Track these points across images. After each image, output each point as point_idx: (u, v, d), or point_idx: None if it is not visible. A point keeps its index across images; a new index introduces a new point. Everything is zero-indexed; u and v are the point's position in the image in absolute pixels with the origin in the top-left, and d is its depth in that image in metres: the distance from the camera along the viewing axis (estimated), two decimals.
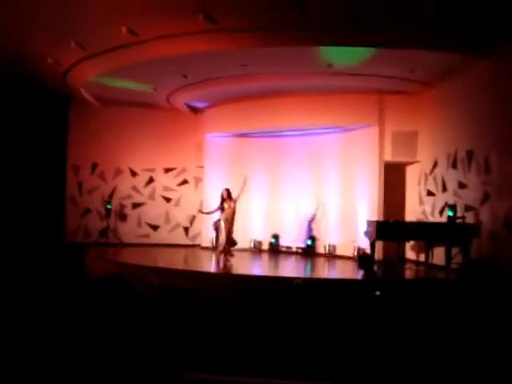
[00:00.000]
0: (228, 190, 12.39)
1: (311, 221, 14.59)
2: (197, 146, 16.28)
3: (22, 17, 9.52)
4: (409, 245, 12.46)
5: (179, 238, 16.39)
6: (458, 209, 10.97)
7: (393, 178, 13.54)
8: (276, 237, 15.03)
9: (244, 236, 14.43)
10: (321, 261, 13.65)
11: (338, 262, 13.16)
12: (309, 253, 14.32)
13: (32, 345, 3.56)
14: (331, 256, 13.86)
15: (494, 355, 4.09)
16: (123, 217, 16.40)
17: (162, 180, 16.63)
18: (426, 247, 11.54)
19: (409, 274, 11.44)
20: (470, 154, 10.91)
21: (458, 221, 10.85)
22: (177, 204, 16.59)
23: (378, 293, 7.36)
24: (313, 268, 12.91)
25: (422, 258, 11.76)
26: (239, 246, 13.69)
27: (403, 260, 12.26)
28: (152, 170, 16.59)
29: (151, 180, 16.61)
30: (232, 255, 12.44)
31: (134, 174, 16.56)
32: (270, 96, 13.88)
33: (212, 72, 12.25)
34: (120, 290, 4.65)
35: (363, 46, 10.13)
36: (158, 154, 16.43)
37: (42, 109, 14.76)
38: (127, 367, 3.32)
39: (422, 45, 9.77)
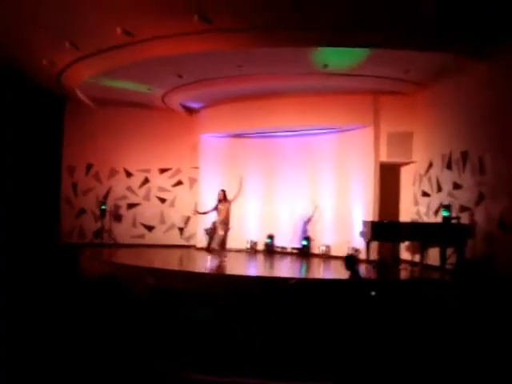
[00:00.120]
0: (224, 192, 12.41)
1: (307, 222, 14.60)
2: (192, 147, 16.27)
3: (16, 17, 9.48)
4: (404, 245, 12.48)
5: (174, 238, 16.37)
6: (453, 209, 11.01)
7: (388, 179, 13.57)
8: (271, 237, 15.03)
9: (239, 236, 14.43)
10: (316, 261, 13.66)
11: (333, 263, 13.16)
12: (304, 253, 14.32)
13: (28, 346, 3.55)
14: (326, 256, 13.87)
15: (490, 354, 4.10)
16: (118, 217, 16.37)
17: (157, 181, 16.61)
18: (420, 248, 11.55)
19: (404, 274, 11.45)
20: (464, 155, 10.94)
21: (453, 221, 10.88)
22: (172, 205, 16.58)
23: (373, 293, 7.37)
24: (308, 268, 12.90)
25: (417, 258, 11.77)
26: (234, 246, 13.73)
27: (398, 260, 12.28)
28: (147, 171, 16.57)
29: (146, 181, 16.59)
30: (225, 256, 12.45)
31: (128, 174, 16.53)
32: (266, 97, 13.89)
33: (207, 72, 12.25)
34: (115, 291, 4.64)
35: (360, 47, 10.14)
36: (153, 154, 16.41)
37: (38, 109, 14.72)
38: (127, 367, 3.31)
39: (421, 46, 9.78)
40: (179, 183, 16.66)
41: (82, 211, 16.32)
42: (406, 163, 13.49)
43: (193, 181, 16.46)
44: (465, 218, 10.73)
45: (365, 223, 12.00)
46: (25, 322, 3.97)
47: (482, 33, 9.25)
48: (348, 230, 13.68)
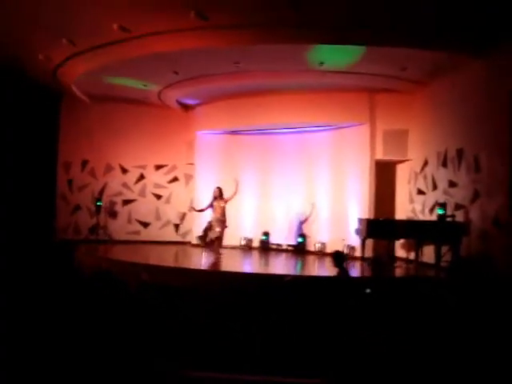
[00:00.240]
0: (220, 189, 12.40)
1: (303, 222, 14.61)
2: (188, 144, 16.26)
3: (13, 14, 9.44)
4: (399, 243, 12.51)
5: (170, 235, 16.37)
6: (448, 207, 11.04)
7: (383, 177, 13.59)
8: (266, 234, 15.03)
9: (234, 233, 14.43)
10: (311, 258, 13.67)
11: (328, 260, 13.15)
12: (299, 250, 14.34)
13: (25, 343, 3.55)
14: (321, 254, 13.89)
15: (486, 352, 4.12)
16: (113, 214, 16.34)
17: (153, 177, 16.59)
18: (415, 245, 11.57)
19: (399, 271, 11.48)
20: (460, 153, 10.97)
21: (448, 219, 10.91)
22: (167, 201, 16.57)
23: (368, 290, 7.39)
24: (303, 265, 12.91)
25: (412, 256, 11.80)
26: (230, 243, 13.74)
27: (393, 258, 12.30)
28: (143, 167, 16.55)
29: (142, 177, 16.57)
30: (220, 253, 12.46)
31: (124, 170, 16.51)
32: (262, 94, 13.88)
33: (203, 69, 12.22)
34: (111, 287, 4.64)
35: (359, 45, 10.12)
36: (149, 151, 16.39)
37: (33, 105, 14.65)
38: (123, 363, 3.31)
39: (420, 44, 9.78)
40: (175, 180, 16.65)
41: (78, 207, 16.29)
42: (402, 161, 13.51)
43: (189, 177, 16.45)
44: (460, 216, 10.76)
45: (360, 221, 12.03)
46: (21, 319, 3.97)
47: (481, 32, 9.24)
48: (343, 228, 13.71)
